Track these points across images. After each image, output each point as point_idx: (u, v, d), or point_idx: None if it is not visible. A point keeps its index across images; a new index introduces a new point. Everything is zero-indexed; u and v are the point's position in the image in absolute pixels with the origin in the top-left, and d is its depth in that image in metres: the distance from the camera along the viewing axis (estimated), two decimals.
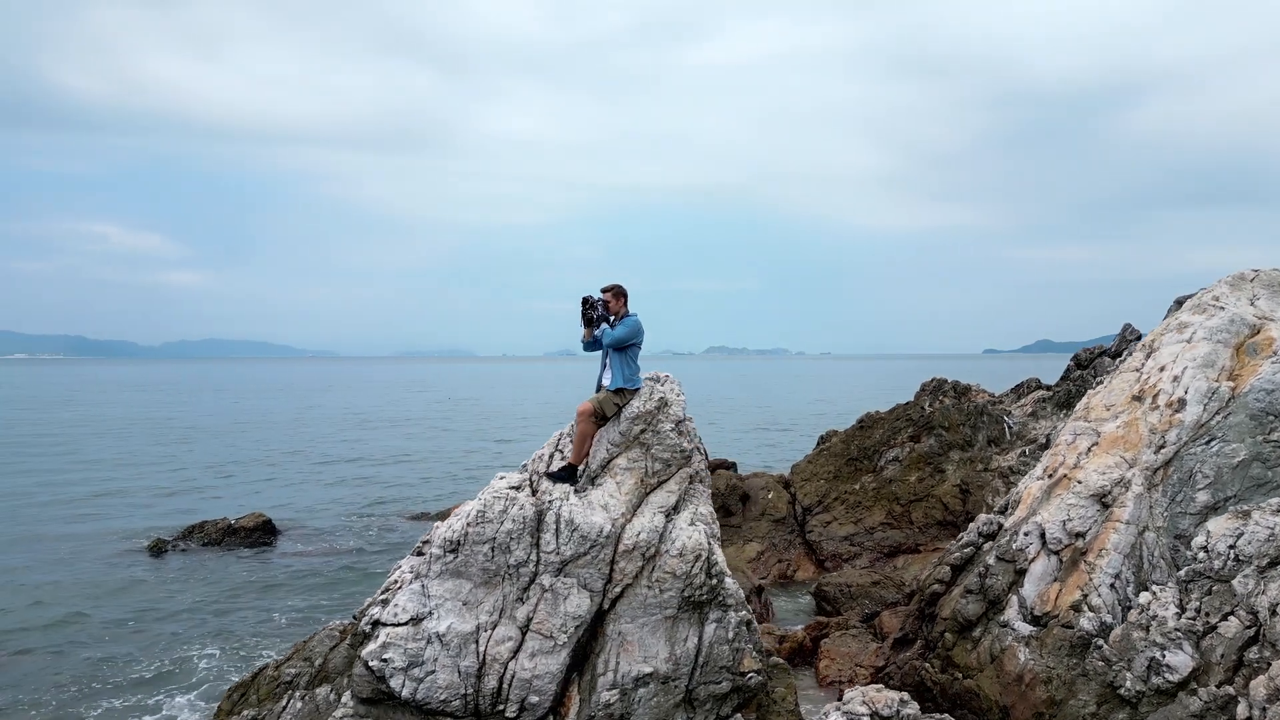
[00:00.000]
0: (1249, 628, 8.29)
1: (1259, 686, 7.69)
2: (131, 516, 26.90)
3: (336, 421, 65.94)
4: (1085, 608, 9.75)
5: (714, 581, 8.33)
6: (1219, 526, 9.21)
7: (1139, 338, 19.25)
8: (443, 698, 7.58)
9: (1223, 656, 8.10)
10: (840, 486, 22.41)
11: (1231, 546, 8.76)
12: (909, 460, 22.02)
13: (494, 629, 7.80)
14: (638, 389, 8.81)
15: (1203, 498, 10.08)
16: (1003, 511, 12.70)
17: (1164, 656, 8.32)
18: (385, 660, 7.55)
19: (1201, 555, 8.99)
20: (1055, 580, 10.41)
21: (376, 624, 7.81)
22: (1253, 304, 12.11)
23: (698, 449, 9.29)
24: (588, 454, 8.65)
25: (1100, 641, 9.15)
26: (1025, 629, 10.16)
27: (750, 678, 8.50)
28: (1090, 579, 9.98)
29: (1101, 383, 13.52)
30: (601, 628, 8.21)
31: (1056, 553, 10.60)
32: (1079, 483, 10.90)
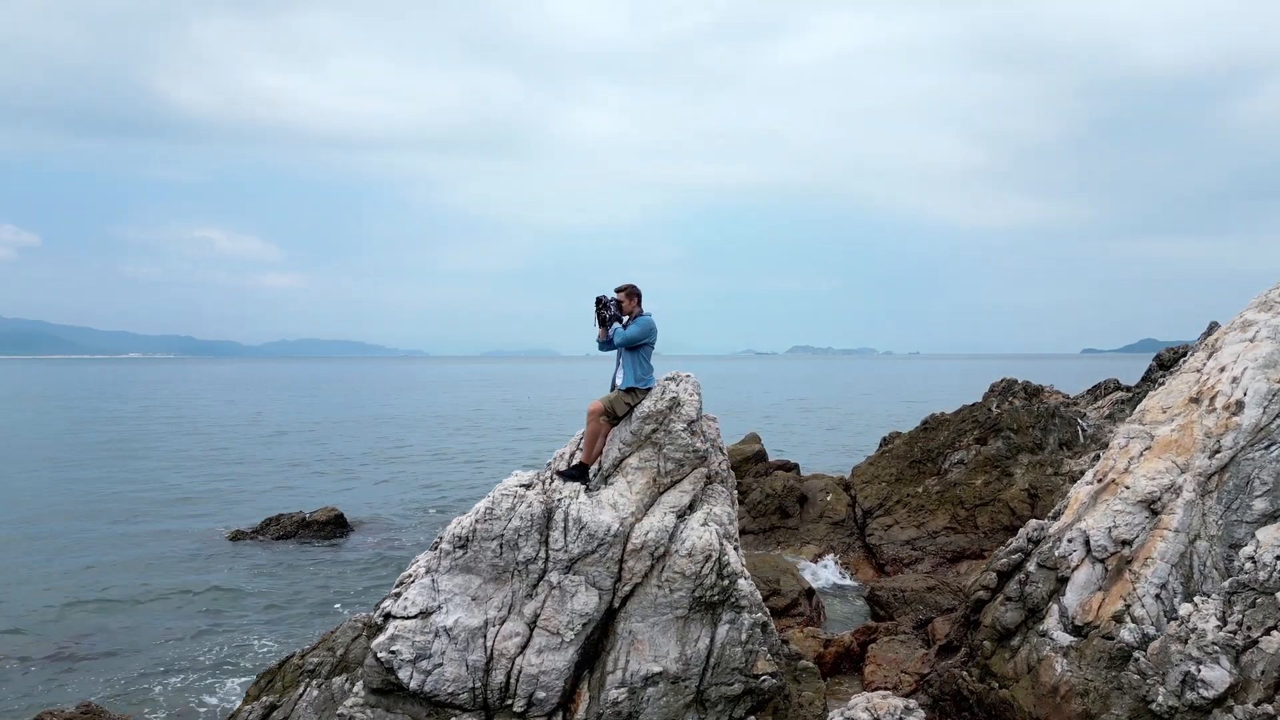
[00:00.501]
0: None
1: None
2: (218, 509, 28.26)
3: (416, 420, 67.67)
4: (1127, 618, 9.32)
5: (725, 583, 8.27)
6: (1269, 536, 8.69)
7: None
8: (450, 690, 7.74)
9: (1263, 673, 7.63)
10: (902, 489, 21.92)
11: (1279, 557, 8.25)
12: (974, 463, 21.40)
13: (502, 624, 7.92)
14: (649, 388, 8.81)
15: (1260, 505, 9.51)
16: (1056, 517, 12.24)
17: (1199, 671, 7.88)
18: (393, 652, 7.76)
19: (1248, 566, 8.49)
20: (1099, 589, 9.97)
21: (388, 616, 8.04)
22: None
23: (717, 449, 9.23)
24: (600, 453, 8.70)
25: (1139, 654, 8.74)
26: (1065, 639, 9.77)
27: (764, 680, 8.41)
28: (1134, 589, 9.53)
29: (1163, 383, 12.89)
30: (613, 626, 8.24)
31: (1101, 561, 10.15)
32: (1126, 488, 10.42)
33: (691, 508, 8.68)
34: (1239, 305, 12.36)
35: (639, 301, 8.81)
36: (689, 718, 8.13)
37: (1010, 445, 21.32)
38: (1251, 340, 10.98)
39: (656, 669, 8.03)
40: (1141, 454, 11.00)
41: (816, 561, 20.48)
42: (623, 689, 7.95)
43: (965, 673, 11.00)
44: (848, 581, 19.68)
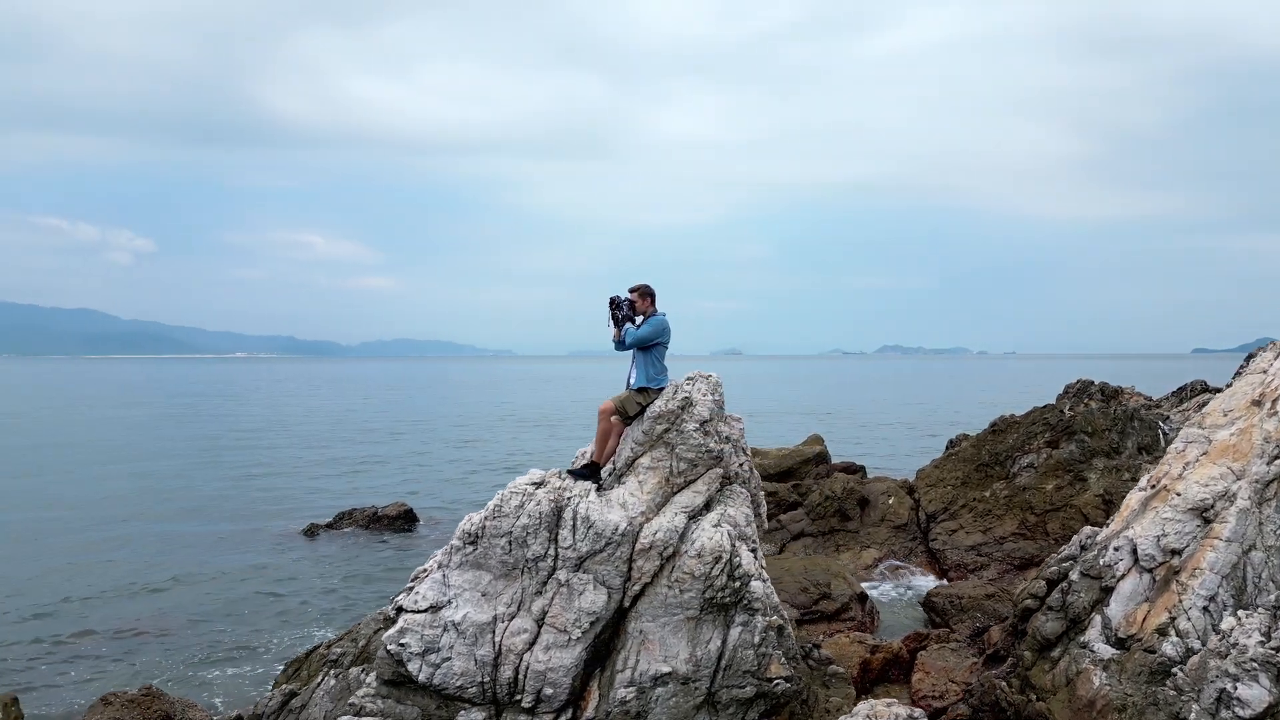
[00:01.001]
0: None
1: None
2: (297, 503, 29.41)
3: (494, 419, 68.93)
4: (1171, 631, 8.84)
5: (737, 584, 8.20)
6: None
7: None
8: (459, 684, 7.89)
9: None
10: (969, 493, 21.28)
11: None
12: (1045, 467, 20.61)
13: (511, 620, 8.03)
14: (662, 388, 8.80)
15: None
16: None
17: (1236, 689, 7.43)
18: (403, 644, 7.95)
19: None
20: (1145, 600, 9.49)
21: (400, 610, 8.24)
22: None
23: (739, 450, 9.15)
24: (612, 452, 8.73)
25: (1178, 669, 8.29)
26: (1106, 651, 9.33)
27: (777, 684, 8.30)
28: (1180, 600, 9.04)
29: (1230, 386, 12.19)
30: (623, 625, 8.27)
31: (1150, 571, 9.66)
32: (1178, 495, 9.89)
33: (707, 508, 8.64)
34: None
35: (653, 301, 8.82)
36: (699, 719, 8.10)
37: (1084, 449, 20.46)
38: None
39: (666, 669, 8.01)
40: (1197, 459, 10.44)
41: (876, 566, 20.06)
42: (631, 688, 7.96)
43: (1005, 683, 10.62)
44: (909, 586, 19.22)
